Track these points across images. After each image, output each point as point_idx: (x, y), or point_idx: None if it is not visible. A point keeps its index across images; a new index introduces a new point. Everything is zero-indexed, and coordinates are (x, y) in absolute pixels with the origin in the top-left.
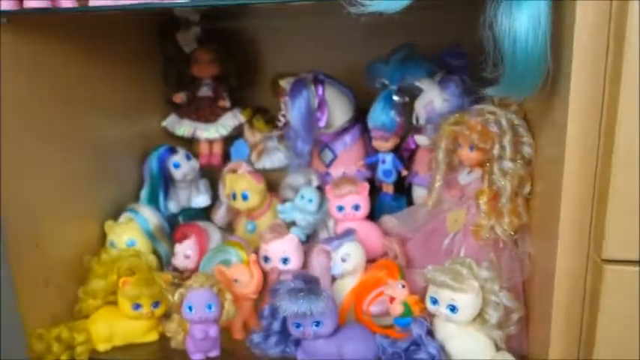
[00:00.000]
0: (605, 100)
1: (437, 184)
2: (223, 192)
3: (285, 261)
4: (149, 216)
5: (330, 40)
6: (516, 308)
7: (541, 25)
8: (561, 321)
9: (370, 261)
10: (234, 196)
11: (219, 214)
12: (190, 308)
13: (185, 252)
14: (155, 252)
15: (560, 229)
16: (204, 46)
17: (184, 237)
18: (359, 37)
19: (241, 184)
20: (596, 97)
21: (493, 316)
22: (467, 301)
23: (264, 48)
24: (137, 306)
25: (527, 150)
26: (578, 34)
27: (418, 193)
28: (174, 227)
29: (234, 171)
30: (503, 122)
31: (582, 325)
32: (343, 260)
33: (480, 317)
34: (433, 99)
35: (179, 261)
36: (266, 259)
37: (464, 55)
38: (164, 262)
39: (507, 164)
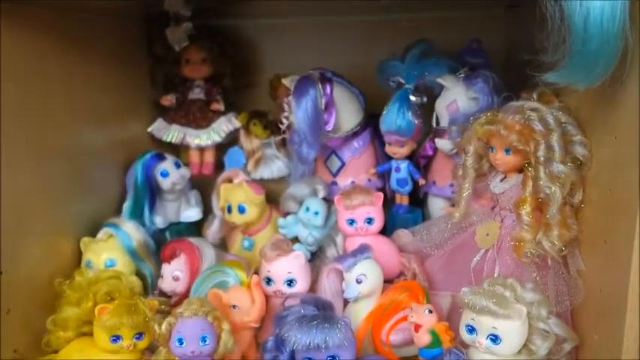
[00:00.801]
0: None
1: (465, 193)
2: (217, 204)
3: (290, 282)
4: (132, 232)
5: (334, 39)
6: (569, 337)
7: None
8: (634, 351)
9: (385, 282)
10: (229, 209)
11: (212, 230)
12: (181, 341)
13: (174, 273)
14: (139, 273)
15: (636, 244)
16: (196, 44)
17: (173, 256)
18: (365, 35)
19: (238, 195)
20: None
21: (542, 347)
22: (512, 329)
23: (262, 47)
24: (116, 338)
25: (580, 150)
26: None
27: (436, 204)
28: (161, 244)
29: (229, 180)
30: (550, 119)
31: None
32: (358, 282)
33: (525, 348)
34: (457, 98)
35: (167, 284)
36: (268, 280)
37: (485, 53)
38: (149, 286)
39: (558, 167)
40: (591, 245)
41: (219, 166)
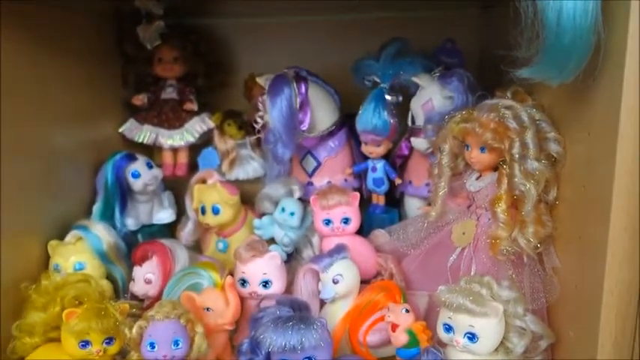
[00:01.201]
0: None
1: (441, 192)
2: (190, 205)
3: (265, 284)
4: (102, 234)
5: (309, 39)
6: (545, 334)
7: None
8: (609, 347)
9: (362, 282)
10: (203, 210)
11: (186, 232)
12: (152, 345)
13: (146, 276)
14: (109, 276)
15: (610, 239)
16: (169, 42)
17: (145, 258)
18: (341, 35)
19: (212, 195)
20: None
21: (518, 344)
22: (489, 327)
23: (236, 46)
24: (85, 343)
25: (554, 147)
26: None
27: (412, 204)
28: (132, 247)
29: (203, 181)
30: (524, 117)
31: (634, 352)
32: (335, 282)
33: (502, 346)
34: (432, 97)
35: (139, 287)
36: (243, 282)
37: (459, 53)
38: (120, 289)
39: (533, 164)
40: (566, 242)
41: (193, 168)
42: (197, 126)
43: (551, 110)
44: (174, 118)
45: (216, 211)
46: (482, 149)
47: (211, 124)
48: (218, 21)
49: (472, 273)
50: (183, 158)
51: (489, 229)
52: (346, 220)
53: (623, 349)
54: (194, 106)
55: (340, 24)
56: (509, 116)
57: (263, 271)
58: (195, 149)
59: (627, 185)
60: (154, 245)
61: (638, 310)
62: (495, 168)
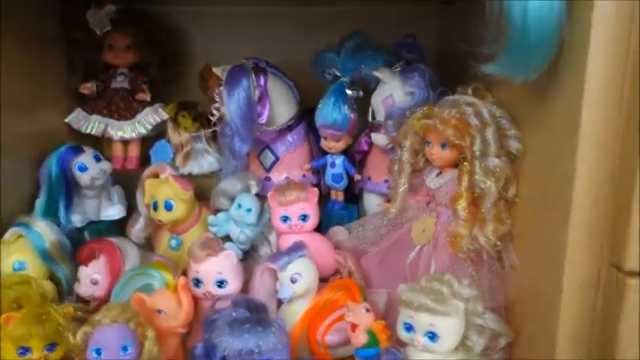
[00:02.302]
0: (628, 83)
1: (401, 189)
2: (142, 200)
3: (221, 284)
4: (44, 231)
5: (268, 30)
6: (504, 332)
7: None
8: (567, 345)
9: (321, 281)
10: (155, 206)
11: (137, 229)
12: (99, 351)
13: (92, 276)
14: (52, 277)
15: (570, 238)
16: (121, 28)
17: (91, 257)
18: (300, 27)
19: (164, 190)
20: (618, 78)
21: (477, 342)
22: (450, 326)
23: (193, 35)
24: (25, 350)
25: (514, 145)
26: None
27: (370, 201)
28: (78, 245)
29: (155, 175)
30: (485, 114)
31: (592, 350)
32: (293, 281)
33: (462, 345)
34: (393, 92)
35: (84, 288)
36: (197, 282)
37: (419, 48)
38: (64, 291)
39: (494, 161)
40: (525, 240)
41: (145, 161)
42: (149, 117)
43: (510, 107)
44: (125, 109)
45: (169, 207)
46: (443, 146)
47: (165, 115)
48: (174, 8)
49: (431, 271)
50: (134, 151)
51: (449, 226)
52: (304, 217)
53: (581, 347)
54: (147, 96)
55: (301, 15)
56: (470, 113)
57: (218, 270)
58: (147, 142)
59: (587, 183)
60: (101, 243)
61: (597, 305)
62: (455, 165)
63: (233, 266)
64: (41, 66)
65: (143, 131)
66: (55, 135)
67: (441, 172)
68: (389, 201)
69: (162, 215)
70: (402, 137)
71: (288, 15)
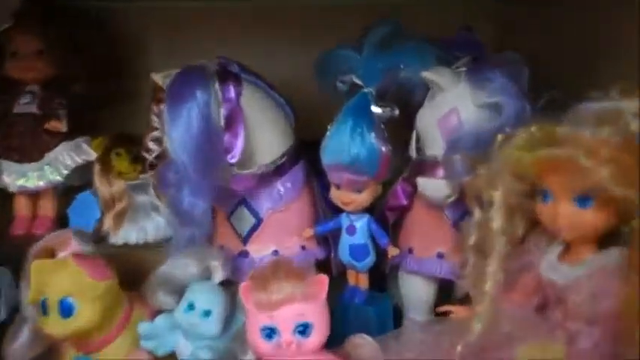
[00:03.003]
0: None
1: (489, 284)
2: (26, 298)
3: None
4: None
5: (251, 32)
6: None
7: None
8: None
9: None
10: (44, 307)
11: (19, 343)
12: None
13: None
14: None
15: None
16: (28, 27)
17: None
18: (302, 27)
19: (60, 281)
20: None
21: None
22: None
23: (149, 38)
24: None
25: None
26: None
27: (413, 286)
28: None
29: (51, 253)
30: None
31: None
32: None
33: None
34: (457, 104)
35: None
36: None
37: (479, 44)
38: None
39: None
40: None
41: (63, 222)
42: (66, 157)
43: None
44: (31, 145)
45: (66, 310)
46: (582, 201)
47: (91, 153)
48: (118, 4)
49: None
50: (47, 209)
51: None
52: (304, 329)
53: None
54: (61, 126)
55: (299, 13)
56: None
57: None
58: (66, 193)
59: None
60: None
61: None
62: (603, 239)
63: None
64: None
65: (57, 178)
66: None
67: (570, 250)
68: (461, 302)
69: (56, 325)
70: (487, 184)
71: (281, 11)
